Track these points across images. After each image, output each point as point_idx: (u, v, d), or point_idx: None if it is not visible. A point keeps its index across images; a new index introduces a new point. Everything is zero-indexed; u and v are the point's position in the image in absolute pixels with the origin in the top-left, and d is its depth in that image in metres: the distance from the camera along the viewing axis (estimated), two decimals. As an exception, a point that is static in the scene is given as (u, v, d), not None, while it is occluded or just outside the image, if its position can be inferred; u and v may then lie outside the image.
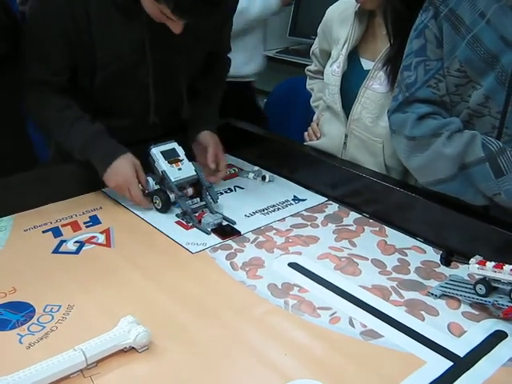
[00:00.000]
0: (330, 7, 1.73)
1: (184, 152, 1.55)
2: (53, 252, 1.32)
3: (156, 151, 1.51)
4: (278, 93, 2.90)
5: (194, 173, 1.52)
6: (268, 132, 1.98)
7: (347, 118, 1.60)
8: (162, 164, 1.50)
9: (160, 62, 1.53)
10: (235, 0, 1.66)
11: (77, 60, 1.51)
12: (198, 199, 1.52)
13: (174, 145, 1.55)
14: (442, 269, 1.26)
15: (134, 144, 1.55)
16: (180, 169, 1.51)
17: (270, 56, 4.01)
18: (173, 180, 1.48)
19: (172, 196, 1.49)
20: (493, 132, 1.27)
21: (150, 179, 1.52)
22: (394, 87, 1.45)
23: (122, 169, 1.49)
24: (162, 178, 1.50)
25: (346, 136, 1.62)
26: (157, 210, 1.51)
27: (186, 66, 1.60)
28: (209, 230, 1.41)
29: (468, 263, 1.13)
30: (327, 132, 1.69)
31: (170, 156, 1.52)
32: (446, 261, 1.25)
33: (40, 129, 1.64)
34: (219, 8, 1.32)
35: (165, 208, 1.49)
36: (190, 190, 1.51)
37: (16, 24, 1.46)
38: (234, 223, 1.44)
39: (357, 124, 1.58)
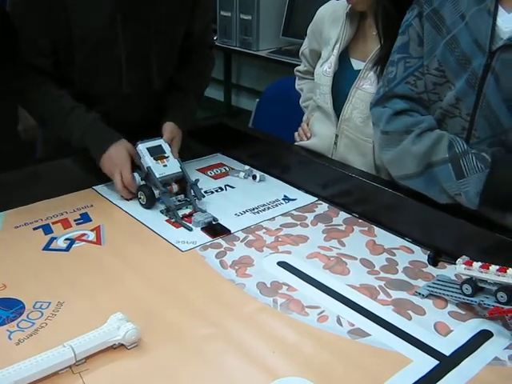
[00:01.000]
0: (321, 8, 1.74)
1: (170, 149, 1.56)
2: (43, 249, 1.32)
3: (142, 147, 1.53)
4: (270, 93, 2.91)
5: (179, 170, 1.54)
6: (259, 132, 1.99)
7: (338, 118, 1.61)
8: (148, 160, 1.51)
9: (133, 36, 1.56)
10: None
11: (55, 37, 1.54)
12: (183, 196, 1.53)
13: (160, 141, 1.57)
14: (430, 269, 1.27)
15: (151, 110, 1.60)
16: (165, 165, 1.52)
17: (262, 56, 4.03)
18: (157, 176, 1.49)
19: (157, 192, 1.50)
20: (462, 133, 1.29)
21: (136, 175, 1.53)
22: None
23: (117, 153, 1.53)
24: (147, 174, 1.51)
25: (337, 136, 1.63)
26: (141, 205, 1.52)
27: (160, 41, 1.63)
28: (191, 226, 1.41)
29: (455, 263, 1.14)
30: (317, 132, 1.70)
31: (156, 152, 1.54)
32: (434, 261, 1.26)
33: (35, 119, 1.67)
34: None
35: (149, 204, 1.50)
36: (175, 187, 1.52)
37: (5, 16, 1.45)
38: (217, 220, 1.45)
39: (347, 124, 1.59)
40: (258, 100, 2.95)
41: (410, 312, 1.13)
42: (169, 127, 1.64)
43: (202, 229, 1.41)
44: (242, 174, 1.70)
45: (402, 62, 1.35)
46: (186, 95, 1.76)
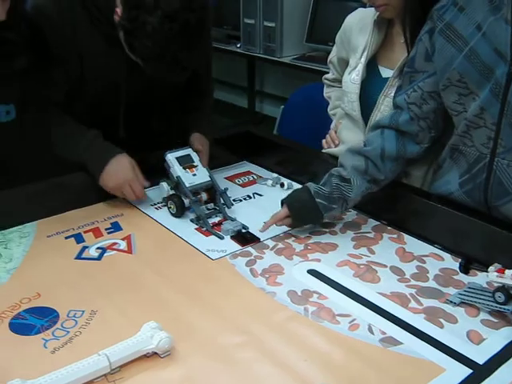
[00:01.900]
0: (349, 16, 1.74)
1: (199, 158, 1.57)
2: (75, 258, 1.35)
3: (171, 157, 1.54)
4: (295, 100, 2.91)
5: (209, 178, 1.55)
6: (286, 139, 2.00)
7: (366, 125, 1.61)
8: (177, 169, 1.52)
9: (135, 84, 1.58)
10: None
11: (67, 73, 1.55)
12: (212, 204, 1.54)
13: (189, 151, 1.58)
14: (461, 276, 1.26)
15: (148, 150, 1.59)
16: (194, 174, 1.53)
17: (286, 62, 4.04)
18: (187, 185, 1.50)
19: (186, 201, 1.51)
20: (488, 143, 1.30)
21: (165, 185, 1.54)
22: None
23: (121, 167, 1.52)
24: (177, 184, 1.52)
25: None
26: (171, 214, 1.53)
27: (161, 89, 1.65)
28: (222, 235, 1.42)
29: (487, 271, 1.14)
30: (346, 139, 1.70)
31: (185, 162, 1.55)
32: (465, 269, 1.25)
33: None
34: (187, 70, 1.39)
35: (179, 213, 1.51)
36: (205, 196, 1.54)
37: (39, 34, 1.48)
38: (247, 228, 1.46)
39: (376, 131, 1.59)
40: (282, 107, 2.95)
41: (441, 320, 1.12)
42: (196, 137, 1.65)
43: (232, 237, 1.42)
44: (269, 182, 1.71)
45: (407, 75, 1.41)
46: (202, 109, 1.78)
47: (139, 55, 1.36)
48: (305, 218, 1.43)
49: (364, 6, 1.65)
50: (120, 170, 1.52)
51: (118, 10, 1.36)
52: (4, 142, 1.49)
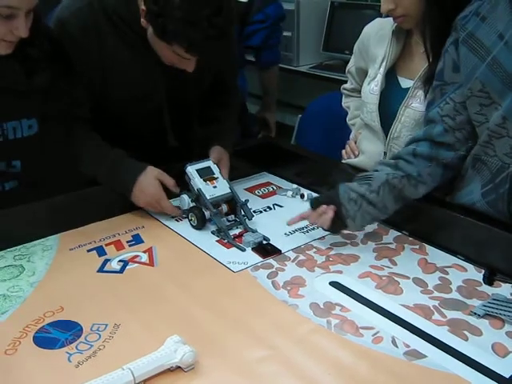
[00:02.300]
0: (367, 26, 1.74)
1: (219, 170, 1.58)
2: (98, 271, 1.35)
3: (192, 169, 1.55)
4: (313, 109, 2.91)
5: (229, 190, 1.55)
6: (305, 150, 2.00)
7: (386, 135, 1.61)
8: (198, 182, 1.53)
9: (171, 90, 1.60)
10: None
11: (92, 89, 1.58)
12: (233, 216, 1.55)
13: (209, 163, 1.59)
14: (484, 287, 1.25)
15: (168, 163, 1.60)
16: (215, 186, 1.54)
17: (303, 71, 4.04)
18: (208, 197, 1.51)
19: (207, 213, 1.51)
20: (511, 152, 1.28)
21: (185, 197, 1.55)
22: None
23: (147, 186, 1.54)
24: (198, 196, 1.52)
25: (385, 154, 1.62)
26: (192, 226, 1.53)
27: (195, 89, 1.67)
28: (244, 247, 1.43)
29: (511, 282, 1.13)
30: (365, 150, 1.69)
31: (206, 174, 1.55)
32: (489, 280, 1.24)
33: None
34: (228, 37, 1.41)
35: (200, 225, 1.52)
36: (225, 207, 1.54)
37: (61, 51, 1.50)
38: (268, 240, 1.46)
39: (396, 142, 1.59)
40: (300, 116, 2.96)
41: (466, 332, 1.11)
42: (216, 149, 1.66)
43: (253, 249, 1.42)
44: (289, 193, 1.71)
45: (438, 89, 1.39)
46: (223, 121, 1.79)
47: (173, 34, 1.36)
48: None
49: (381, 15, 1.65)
50: (147, 190, 1.54)
51: (143, 7, 1.38)
52: (26, 155, 1.50)
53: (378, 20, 1.71)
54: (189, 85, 1.63)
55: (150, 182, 1.54)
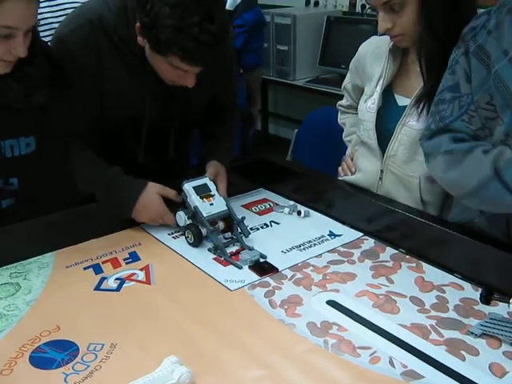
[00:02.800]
0: (363, 44, 1.75)
1: (215, 187, 1.58)
2: (94, 289, 1.35)
3: (188, 187, 1.55)
4: (310, 122, 2.92)
5: (226, 208, 1.55)
6: (302, 167, 2.00)
7: (383, 153, 1.61)
8: (195, 199, 1.53)
9: (158, 111, 1.61)
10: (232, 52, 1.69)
11: (88, 104, 1.58)
12: (230, 233, 1.54)
13: (205, 180, 1.59)
14: (482, 306, 1.25)
15: (165, 180, 1.60)
16: (212, 204, 1.54)
17: (299, 85, 4.07)
18: (205, 215, 1.51)
19: (204, 230, 1.51)
20: None
21: (182, 214, 1.55)
22: None
23: (150, 202, 1.56)
24: (194, 213, 1.52)
25: (382, 171, 1.63)
26: (189, 243, 1.53)
27: (184, 113, 1.67)
28: (241, 264, 1.42)
29: (508, 302, 1.13)
30: (362, 167, 1.70)
31: (202, 191, 1.55)
32: (486, 300, 1.24)
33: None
34: (223, 45, 1.41)
35: (197, 242, 1.52)
36: (222, 225, 1.54)
37: (59, 70, 1.50)
38: (265, 257, 1.46)
39: (393, 160, 1.59)
40: (296, 130, 2.96)
41: (463, 352, 1.11)
42: (212, 165, 1.67)
43: (250, 267, 1.41)
44: (286, 210, 1.71)
45: (456, 101, 1.34)
46: (221, 138, 1.80)
47: (166, 44, 1.37)
48: None
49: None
50: (150, 206, 1.56)
51: (138, 24, 1.40)
52: (24, 173, 1.51)
53: (374, 38, 1.72)
54: (185, 107, 1.63)
55: (152, 197, 1.55)
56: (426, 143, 1.41)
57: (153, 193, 1.56)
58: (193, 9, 1.32)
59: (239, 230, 1.53)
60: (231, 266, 1.43)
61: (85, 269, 1.43)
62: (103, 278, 1.38)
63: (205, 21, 1.33)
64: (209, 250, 1.50)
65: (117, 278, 1.38)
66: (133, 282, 1.37)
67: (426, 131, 1.41)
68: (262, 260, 1.44)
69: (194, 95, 1.59)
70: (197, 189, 1.55)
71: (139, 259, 1.47)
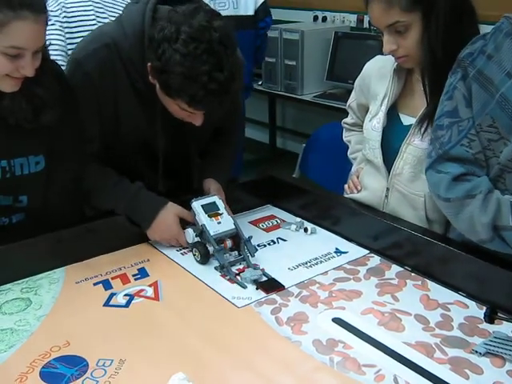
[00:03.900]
0: (368, 63, 1.77)
1: (224, 206, 1.60)
2: (104, 305, 1.37)
3: (197, 205, 1.57)
4: (318, 137, 2.93)
5: (233, 226, 1.57)
6: (309, 183, 2.03)
7: (388, 172, 1.63)
8: (203, 218, 1.55)
9: (171, 138, 1.64)
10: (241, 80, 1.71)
11: (103, 129, 1.62)
12: (237, 252, 1.56)
13: (214, 198, 1.61)
14: (486, 325, 1.26)
15: (176, 197, 1.63)
16: (219, 222, 1.56)
17: (307, 100, 4.09)
18: (212, 234, 1.52)
19: (211, 249, 1.53)
20: None
21: (191, 231, 1.57)
22: None
23: (166, 222, 1.59)
24: (202, 231, 1.54)
25: (388, 189, 1.65)
26: (196, 261, 1.55)
27: (195, 141, 1.72)
28: (245, 284, 1.44)
29: (512, 321, 1.14)
30: (368, 185, 1.71)
31: (211, 210, 1.57)
32: (490, 319, 1.25)
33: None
34: (230, 95, 1.43)
35: (203, 260, 1.54)
36: (229, 243, 1.55)
37: (69, 90, 1.53)
38: (269, 276, 1.47)
39: (398, 179, 1.61)
40: (304, 145, 2.97)
41: (467, 371, 1.12)
42: (208, 182, 1.70)
43: (257, 284, 1.43)
44: (293, 227, 1.73)
45: (454, 126, 1.37)
46: (220, 156, 1.83)
47: (175, 90, 1.40)
48: None
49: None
50: (166, 226, 1.59)
51: (149, 63, 1.42)
52: (33, 190, 1.53)
53: (379, 57, 1.74)
54: (190, 136, 1.67)
55: (169, 218, 1.59)
56: (428, 173, 1.43)
57: (171, 213, 1.59)
58: (204, 58, 1.35)
59: (246, 249, 1.55)
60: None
61: (94, 284, 1.45)
62: (112, 294, 1.41)
63: (214, 70, 1.36)
64: (215, 268, 1.52)
65: (126, 294, 1.40)
66: (141, 298, 1.39)
67: (427, 159, 1.44)
68: (264, 278, 1.46)
69: (198, 129, 1.61)
70: (205, 207, 1.57)
71: (148, 275, 1.49)
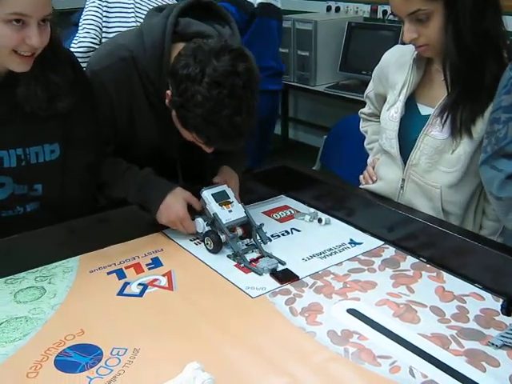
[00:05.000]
0: (387, 52, 1.75)
1: (234, 194, 1.60)
2: (117, 294, 1.37)
3: (207, 194, 1.57)
4: (339, 129, 2.89)
5: (244, 214, 1.57)
6: (323, 174, 2.01)
7: (404, 162, 1.62)
8: (213, 206, 1.55)
9: (186, 147, 1.62)
10: None
11: (118, 132, 1.64)
12: (248, 240, 1.56)
13: (224, 187, 1.60)
14: (502, 317, 1.25)
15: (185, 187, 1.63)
16: (230, 211, 1.56)
17: (320, 91, 4.07)
18: (224, 222, 1.52)
19: (223, 237, 1.53)
20: None
21: (201, 220, 1.57)
22: (454, 134, 1.49)
23: (173, 205, 1.58)
24: (213, 220, 1.54)
25: (403, 180, 1.63)
26: (208, 250, 1.55)
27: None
28: (261, 271, 1.43)
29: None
30: (384, 176, 1.70)
31: (221, 198, 1.57)
32: (507, 311, 1.24)
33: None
34: (244, 137, 1.44)
35: (216, 249, 1.53)
36: (240, 231, 1.55)
37: (83, 77, 1.53)
38: (284, 263, 1.47)
39: (414, 169, 1.59)
40: (325, 137, 2.94)
41: (483, 363, 1.11)
42: (223, 170, 1.70)
43: (271, 274, 1.43)
44: (307, 217, 1.72)
45: (511, 122, 1.33)
46: (232, 152, 1.80)
47: (193, 127, 1.41)
48: None
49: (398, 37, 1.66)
50: (172, 208, 1.58)
51: (169, 92, 1.43)
52: (48, 179, 1.53)
53: (397, 47, 1.72)
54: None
55: (177, 200, 1.58)
56: (482, 169, 1.42)
57: (179, 196, 1.59)
58: (225, 102, 1.35)
59: (258, 237, 1.54)
60: (252, 273, 1.44)
61: (108, 274, 1.45)
62: (126, 283, 1.40)
63: (234, 114, 1.36)
64: (228, 256, 1.52)
65: (139, 284, 1.40)
66: (155, 288, 1.39)
67: (482, 153, 1.42)
68: (280, 267, 1.46)
69: None
70: (215, 196, 1.56)
71: (162, 265, 1.49)
